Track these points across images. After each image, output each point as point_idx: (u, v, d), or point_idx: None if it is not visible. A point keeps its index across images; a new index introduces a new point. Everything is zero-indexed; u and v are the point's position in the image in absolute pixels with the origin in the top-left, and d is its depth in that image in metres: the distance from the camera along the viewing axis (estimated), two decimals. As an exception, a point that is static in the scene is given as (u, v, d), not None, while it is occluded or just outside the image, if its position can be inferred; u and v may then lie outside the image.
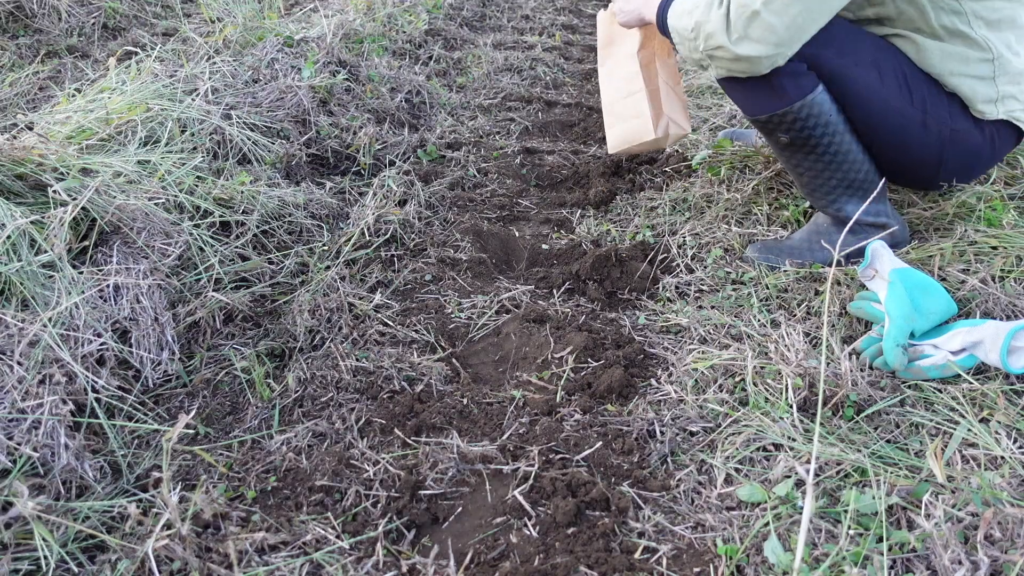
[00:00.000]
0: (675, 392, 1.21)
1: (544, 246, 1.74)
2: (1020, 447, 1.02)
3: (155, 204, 1.44)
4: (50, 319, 1.13)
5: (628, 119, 1.66)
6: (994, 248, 1.39)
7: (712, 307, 1.42)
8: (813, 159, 1.44)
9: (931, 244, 1.45)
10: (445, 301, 1.50)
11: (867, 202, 1.30)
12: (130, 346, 1.24)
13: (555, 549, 0.94)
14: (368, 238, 1.66)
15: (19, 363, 1.06)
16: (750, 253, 1.56)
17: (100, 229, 1.34)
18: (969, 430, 1.04)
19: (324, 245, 1.66)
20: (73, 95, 1.88)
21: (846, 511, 0.92)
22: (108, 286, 1.26)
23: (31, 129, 1.59)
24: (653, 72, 1.62)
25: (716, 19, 1.26)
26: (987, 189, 1.57)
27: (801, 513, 0.93)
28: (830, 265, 1.49)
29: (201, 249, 1.46)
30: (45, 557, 0.90)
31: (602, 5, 4.55)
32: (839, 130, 1.39)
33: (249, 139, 1.84)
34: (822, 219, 1.55)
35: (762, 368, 1.20)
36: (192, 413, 1.21)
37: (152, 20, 3.45)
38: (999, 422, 1.05)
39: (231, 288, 1.46)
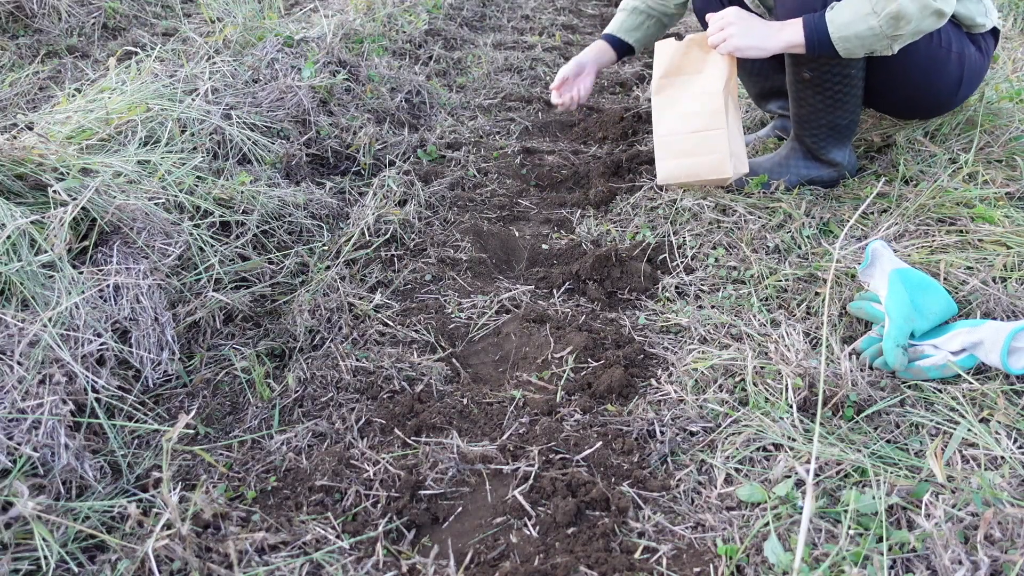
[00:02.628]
0: (675, 392, 1.21)
1: (544, 246, 1.74)
2: (1020, 447, 1.02)
3: (155, 204, 1.44)
4: (50, 319, 1.13)
5: (700, 154, 1.65)
6: (995, 248, 1.39)
7: (712, 307, 1.42)
8: (820, 98, 1.60)
9: (934, 240, 1.45)
10: (445, 301, 1.50)
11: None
12: (130, 346, 1.24)
13: (555, 549, 0.94)
14: (368, 238, 1.66)
15: (19, 363, 1.06)
16: None
17: (100, 229, 1.34)
18: (969, 430, 1.04)
19: (324, 245, 1.66)
20: (73, 95, 1.88)
21: (846, 511, 0.92)
22: (108, 286, 1.26)
23: (31, 129, 1.59)
24: (730, 110, 1.63)
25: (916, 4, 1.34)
26: (986, 191, 1.57)
27: (801, 513, 0.93)
28: (789, 188, 1.75)
29: (201, 249, 1.46)
30: (45, 557, 0.90)
31: (603, 5, 4.54)
32: (855, 82, 1.56)
33: (249, 139, 1.84)
34: (789, 149, 1.77)
35: (762, 368, 1.20)
36: (192, 413, 1.21)
37: (152, 20, 3.46)
38: (999, 422, 1.05)
39: (231, 288, 1.46)
